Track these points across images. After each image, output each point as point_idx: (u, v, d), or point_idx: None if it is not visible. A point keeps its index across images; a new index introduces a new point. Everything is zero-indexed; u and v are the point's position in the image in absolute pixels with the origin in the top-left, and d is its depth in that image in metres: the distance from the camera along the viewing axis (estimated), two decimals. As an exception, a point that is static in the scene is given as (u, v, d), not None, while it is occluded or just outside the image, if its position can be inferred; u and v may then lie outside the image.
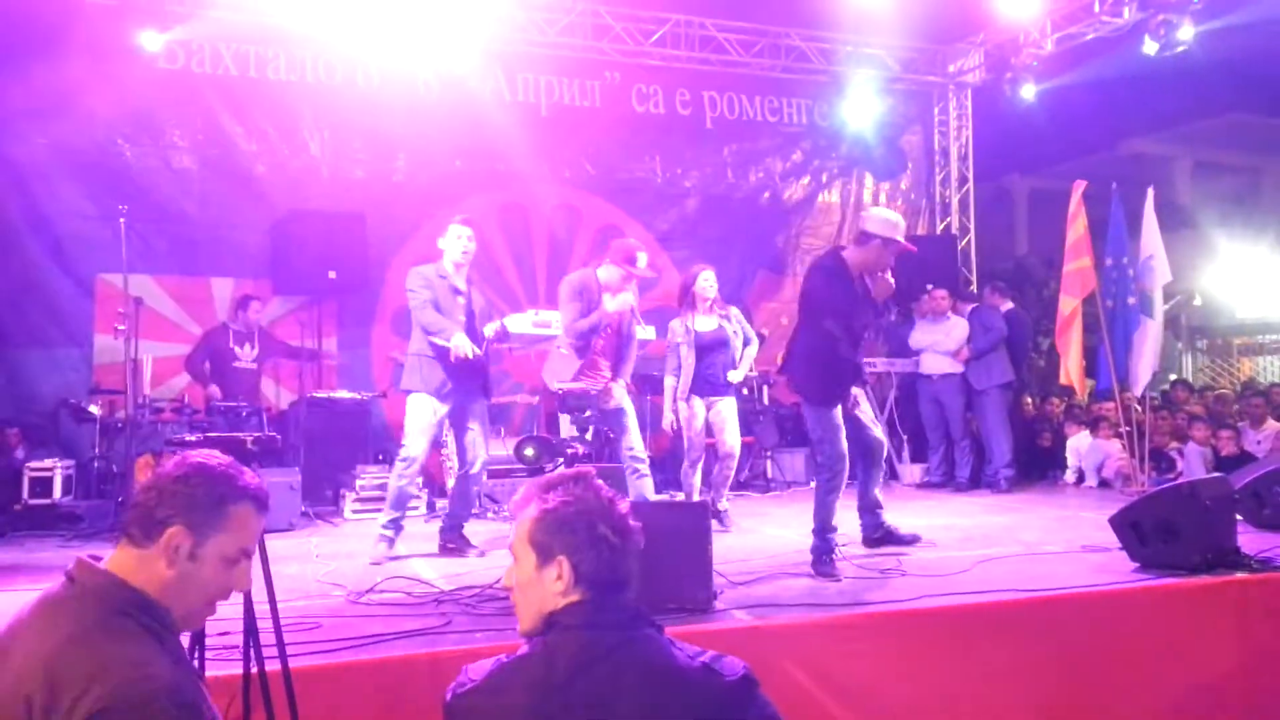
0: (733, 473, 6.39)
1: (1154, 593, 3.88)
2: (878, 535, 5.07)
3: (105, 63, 7.81)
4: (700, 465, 6.30)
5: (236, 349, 7.46)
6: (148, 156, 8.16)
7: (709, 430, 6.32)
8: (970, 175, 10.80)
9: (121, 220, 5.10)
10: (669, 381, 6.37)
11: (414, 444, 5.12)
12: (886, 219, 4.72)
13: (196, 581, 1.71)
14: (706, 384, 6.25)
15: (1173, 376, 10.46)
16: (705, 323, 6.31)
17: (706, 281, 6.34)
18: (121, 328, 5.65)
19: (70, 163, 7.89)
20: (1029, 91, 9.85)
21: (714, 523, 5.61)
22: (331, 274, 8.02)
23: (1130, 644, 3.67)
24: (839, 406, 4.64)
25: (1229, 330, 15.39)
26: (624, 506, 1.87)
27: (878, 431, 5.02)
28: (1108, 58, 9.81)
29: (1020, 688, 3.50)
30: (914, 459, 9.08)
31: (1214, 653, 3.74)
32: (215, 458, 1.78)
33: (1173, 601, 3.84)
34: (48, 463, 6.75)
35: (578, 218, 9.55)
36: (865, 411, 4.95)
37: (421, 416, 5.13)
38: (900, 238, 4.66)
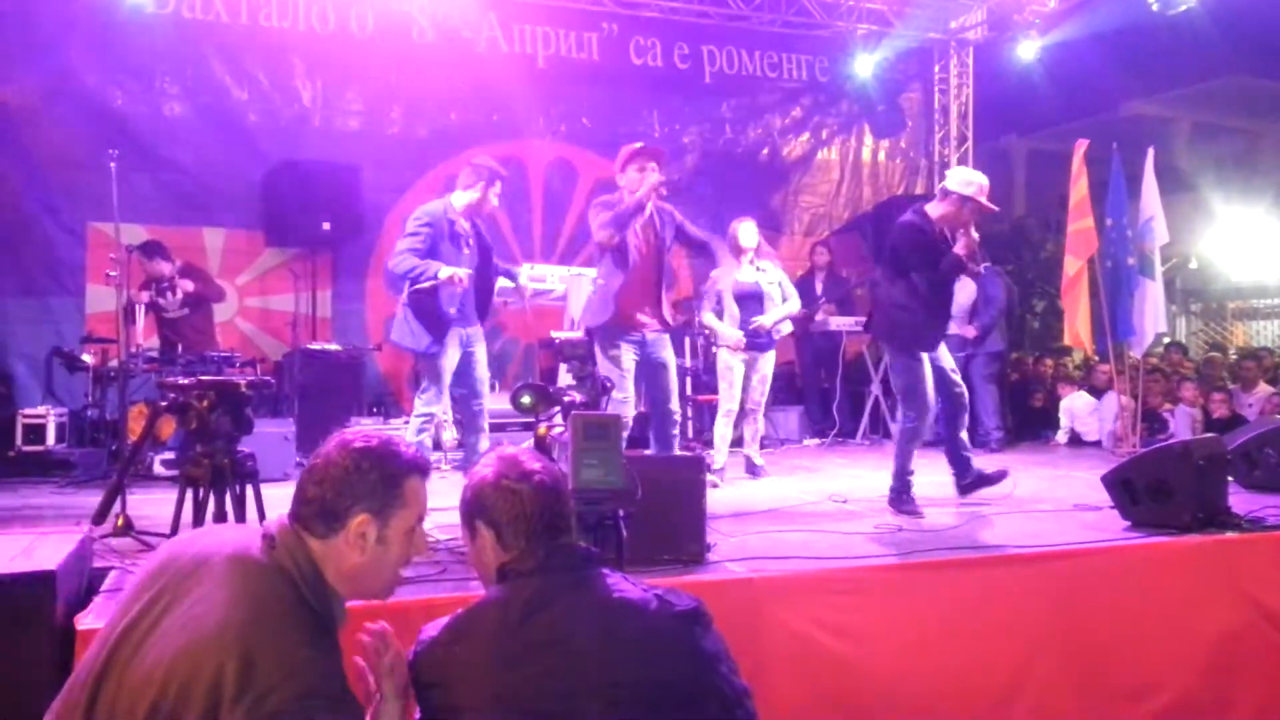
0: (758, 428, 6.52)
1: (1145, 551, 3.91)
2: (968, 481, 5.18)
3: (95, 7, 7.69)
4: (732, 420, 6.32)
5: (160, 300, 7.21)
6: (138, 104, 8.04)
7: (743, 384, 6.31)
8: (970, 135, 10.72)
9: (112, 165, 5.01)
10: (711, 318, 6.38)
11: (429, 396, 4.82)
12: (967, 178, 4.95)
13: (387, 560, 1.78)
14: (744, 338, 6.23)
15: (1166, 339, 10.47)
16: (744, 274, 6.31)
17: (744, 233, 6.37)
18: (114, 274, 5.58)
19: (60, 109, 7.76)
20: (1030, 50, 9.75)
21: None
22: (325, 225, 7.97)
23: (1120, 601, 3.71)
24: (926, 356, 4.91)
25: (1223, 294, 15.39)
26: (534, 462, 2.00)
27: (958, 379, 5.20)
28: (1110, 16, 9.69)
29: (1009, 643, 3.53)
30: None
31: (1204, 611, 3.78)
32: (373, 437, 1.79)
33: (1164, 560, 3.88)
34: (41, 410, 6.76)
35: (574, 172, 9.47)
36: (947, 360, 5.12)
37: (431, 367, 4.83)
38: (982, 199, 4.86)
